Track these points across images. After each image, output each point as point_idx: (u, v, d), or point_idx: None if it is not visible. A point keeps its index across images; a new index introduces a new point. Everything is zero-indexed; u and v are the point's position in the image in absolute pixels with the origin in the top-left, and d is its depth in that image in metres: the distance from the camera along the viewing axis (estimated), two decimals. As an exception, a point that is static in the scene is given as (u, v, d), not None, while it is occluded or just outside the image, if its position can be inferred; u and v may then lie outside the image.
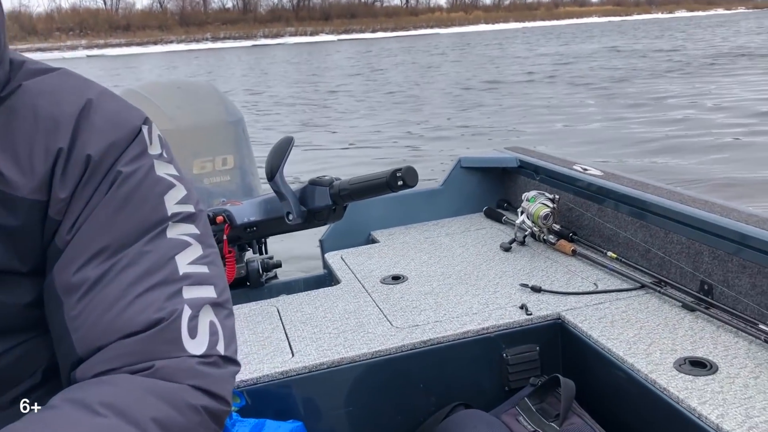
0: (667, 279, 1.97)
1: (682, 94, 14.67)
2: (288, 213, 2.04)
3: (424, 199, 2.88)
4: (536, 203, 2.34)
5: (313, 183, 2.02)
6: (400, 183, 1.80)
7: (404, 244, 2.58)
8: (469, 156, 2.91)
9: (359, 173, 2.01)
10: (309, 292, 2.20)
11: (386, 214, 2.83)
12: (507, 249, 2.39)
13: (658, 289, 1.92)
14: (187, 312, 0.88)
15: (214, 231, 2.29)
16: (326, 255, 2.57)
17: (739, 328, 1.65)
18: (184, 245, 0.93)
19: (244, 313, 2.09)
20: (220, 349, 0.90)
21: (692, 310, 1.79)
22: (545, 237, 2.36)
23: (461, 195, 2.91)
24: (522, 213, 2.39)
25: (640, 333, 1.70)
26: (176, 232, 0.93)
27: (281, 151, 2.01)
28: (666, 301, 1.87)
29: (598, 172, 2.39)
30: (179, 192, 0.97)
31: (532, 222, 2.32)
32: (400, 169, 1.80)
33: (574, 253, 2.26)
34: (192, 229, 0.96)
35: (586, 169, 2.44)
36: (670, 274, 1.98)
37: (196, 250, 0.94)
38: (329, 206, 1.99)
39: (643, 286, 1.97)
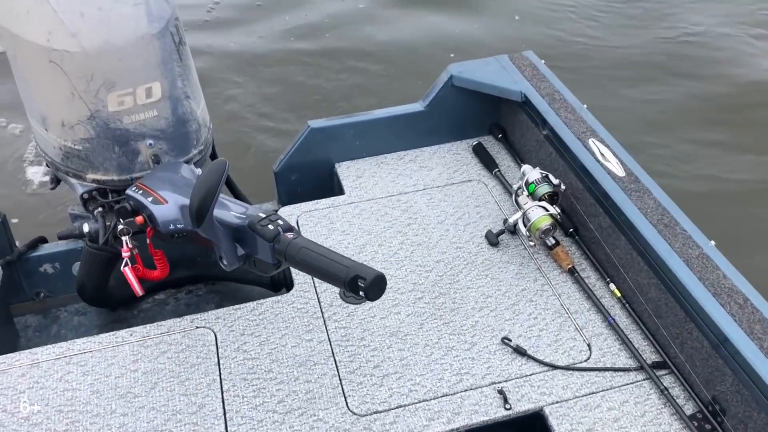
0: (674, 366, 1.68)
1: None
2: (221, 257, 1.62)
3: (404, 123, 2.36)
4: (536, 207, 1.90)
5: (254, 229, 1.55)
6: (360, 293, 1.38)
7: (372, 206, 2.16)
8: (462, 74, 2.31)
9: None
10: (256, 305, 1.86)
11: (357, 139, 2.34)
12: (494, 243, 2.01)
13: (659, 382, 1.64)
14: None
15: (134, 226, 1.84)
16: (281, 213, 2.15)
17: None
18: None
19: (175, 340, 1.77)
20: None
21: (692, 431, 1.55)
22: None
23: (448, 119, 2.39)
24: (518, 209, 1.96)
25: None
26: None
27: (211, 185, 1.50)
28: (666, 406, 1.61)
29: (617, 167, 1.92)
30: None
31: (528, 231, 1.92)
32: (364, 278, 1.36)
33: (570, 272, 1.91)
34: None
35: (604, 156, 1.96)
36: (678, 364, 1.69)
37: None
38: (272, 264, 1.56)
39: (642, 368, 1.69)
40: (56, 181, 2.12)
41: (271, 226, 1.53)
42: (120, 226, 1.83)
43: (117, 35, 1.90)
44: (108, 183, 2.01)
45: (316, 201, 2.18)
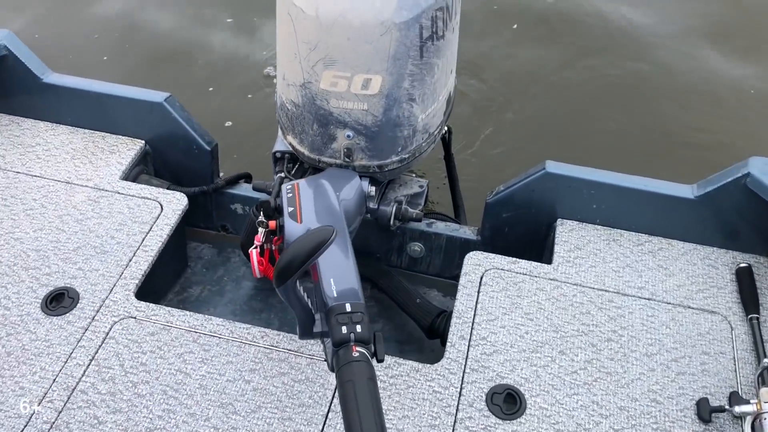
0: None
1: None
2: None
3: (661, 203, 1.85)
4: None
5: (328, 319, 1.27)
6: None
7: (576, 295, 1.74)
8: (765, 177, 1.71)
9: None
10: (393, 363, 1.60)
11: (595, 201, 1.88)
12: (705, 419, 1.51)
13: None
14: None
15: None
16: (468, 258, 1.82)
17: None
18: None
19: (299, 365, 1.59)
20: None
21: None
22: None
23: (720, 219, 1.83)
24: (755, 400, 1.43)
25: None
26: None
27: (309, 249, 1.22)
28: None
29: None
30: None
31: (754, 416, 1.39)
32: None
33: None
34: None
35: None
36: None
37: None
38: (329, 365, 1.28)
39: None
40: None
41: (344, 329, 1.22)
42: (259, 218, 1.70)
43: (355, 12, 1.66)
44: (299, 153, 1.90)
45: (514, 259, 1.82)
